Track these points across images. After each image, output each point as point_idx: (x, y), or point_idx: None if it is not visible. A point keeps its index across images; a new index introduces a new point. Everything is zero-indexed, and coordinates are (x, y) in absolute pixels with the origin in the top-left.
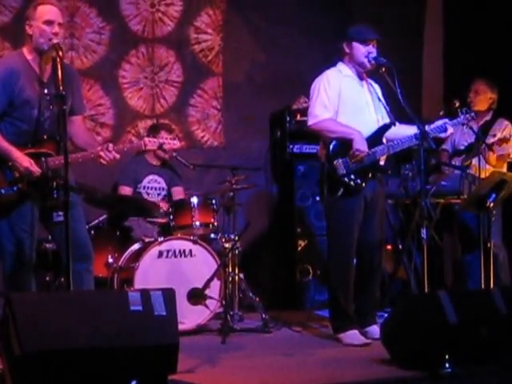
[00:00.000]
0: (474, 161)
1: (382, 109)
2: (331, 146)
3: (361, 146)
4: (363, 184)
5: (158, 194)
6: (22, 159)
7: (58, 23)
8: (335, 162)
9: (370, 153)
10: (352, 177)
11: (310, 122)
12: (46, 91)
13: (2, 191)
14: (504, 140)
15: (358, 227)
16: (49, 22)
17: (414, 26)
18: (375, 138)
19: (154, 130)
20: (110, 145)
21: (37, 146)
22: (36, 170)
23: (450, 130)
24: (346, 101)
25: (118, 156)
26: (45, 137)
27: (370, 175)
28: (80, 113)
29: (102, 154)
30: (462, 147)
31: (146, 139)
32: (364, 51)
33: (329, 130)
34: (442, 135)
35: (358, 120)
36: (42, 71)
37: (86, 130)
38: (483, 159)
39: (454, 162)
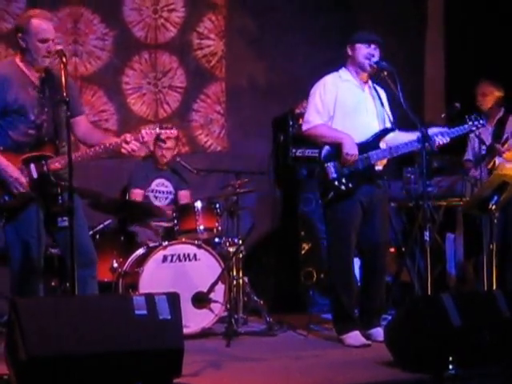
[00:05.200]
0: (498, 162)
1: (385, 114)
2: (323, 151)
3: (350, 150)
4: (355, 188)
5: (166, 198)
6: (12, 170)
7: (51, 40)
8: (326, 166)
9: (364, 157)
10: (343, 181)
11: (303, 128)
12: (40, 95)
13: (6, 198)
14: None
15: (356, 230)
16: (44, 41)
17: (416, 28)
18: (371, 143)
19: None
20: (128, 135)
21: (36, 149)
22: (24, 180)
23: (442, 141)
24: (343, 105)
25: (136, 146)
26: (45, 139)
27: (365, 180)
28: (81, 113)
29: (124, 145)
30: (484, 152)
31: (143, 131)
32: (365, 52)
33: (320, 135)
34: (444, 141)
35: (354, 124)
36: (34, 77)
37: (93, 128)
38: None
39: (480, 168)
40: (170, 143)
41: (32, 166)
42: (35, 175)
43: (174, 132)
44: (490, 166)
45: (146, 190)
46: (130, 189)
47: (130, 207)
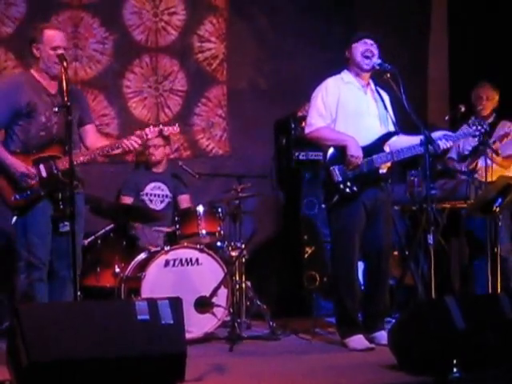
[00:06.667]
0: (480, 164)
1: (388, 117)
2: (328, 154)
3: (355, 152)
4: (360, 192)
5: (162, 201)
6: (19, 166)
7: (63, 48)
8: (331, 169)
9: (368, 160)
10: (348, 184)
11: (306, 131)
12: (52, 101)
13: (17, 196)
14: (505, 135)
15: (360, 234)
16: (56, 48)
17: (419, 30)
18: (375, 146)
19: None
20: (131, 136)
21: (44, 150)
22: (32, 172)
23: (445, 146)
24: (345, 108)
25: (137, 143)
26: (54, 140)
27: (369, 183)
28: (89, 122)
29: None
30: (467, 152)
31: (147, 129)
32: (362, 49)
33: (324, 138)
34: (448, 145)
35: (357, 126)
36: (48, 85)
37: (101, 136)
38: (490, 160)
39: (460, 168)
40: (157, 140)
41: (41, 166)
42: (44, 174)
43: (177, 129)
44: (471, 167)
45: (140, 195)
46: (120, 195)
47: (131, 212)
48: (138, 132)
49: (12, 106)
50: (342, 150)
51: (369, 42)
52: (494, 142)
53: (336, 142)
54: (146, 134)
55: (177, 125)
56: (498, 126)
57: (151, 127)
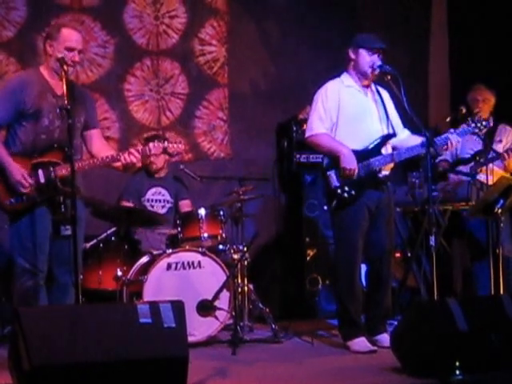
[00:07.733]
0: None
1: (388, 118)
2: (325, 159)
3: (347, 164)
4: (358, 195)
5: (163, 207)
6: (15, 172)
7: (78, 50)
8: (328, 175)
9: (365, 163)
10: (346, 188)
11: (306, 135)
12: (58, 102)
13: (12, 200)
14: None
15: (363, 236)
16: (70, 49)
17: (420, 33)
18: (372, 150)
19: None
20: (132, 149)
21: (45, 155)
22: (27, 183)
23: (455, 140)
24: (346, 111)
25: (136, 158)
26: (55, 145)
27: (368, 186)
28: (94, 127)
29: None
30: (467, 155)
31: (151, 144)
32: (369, 60)
33: (320, 145)
34: (445, 148)
35: (358, 130)
36: (56, 85)
37: (107, 144)
38: (503, 165)
39: (459, 170)
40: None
41: (40, 171)
42: (42, 180)
43: (181, 147)
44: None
45: (141, 200)
46: (120, 200)
47: (132, 215)
48: (142, 147)
49: (17, 104)
50: (336, 158)
51: (377, 54)
52: (500, 155)
53: (330, 151)
54: (150, 150)
55: (182, 143)
56: (497, 129)
57: (156, 142)
